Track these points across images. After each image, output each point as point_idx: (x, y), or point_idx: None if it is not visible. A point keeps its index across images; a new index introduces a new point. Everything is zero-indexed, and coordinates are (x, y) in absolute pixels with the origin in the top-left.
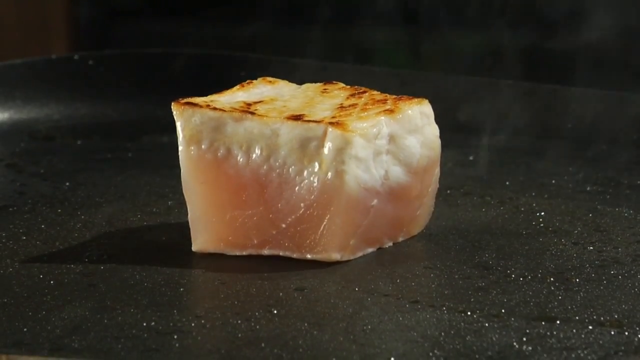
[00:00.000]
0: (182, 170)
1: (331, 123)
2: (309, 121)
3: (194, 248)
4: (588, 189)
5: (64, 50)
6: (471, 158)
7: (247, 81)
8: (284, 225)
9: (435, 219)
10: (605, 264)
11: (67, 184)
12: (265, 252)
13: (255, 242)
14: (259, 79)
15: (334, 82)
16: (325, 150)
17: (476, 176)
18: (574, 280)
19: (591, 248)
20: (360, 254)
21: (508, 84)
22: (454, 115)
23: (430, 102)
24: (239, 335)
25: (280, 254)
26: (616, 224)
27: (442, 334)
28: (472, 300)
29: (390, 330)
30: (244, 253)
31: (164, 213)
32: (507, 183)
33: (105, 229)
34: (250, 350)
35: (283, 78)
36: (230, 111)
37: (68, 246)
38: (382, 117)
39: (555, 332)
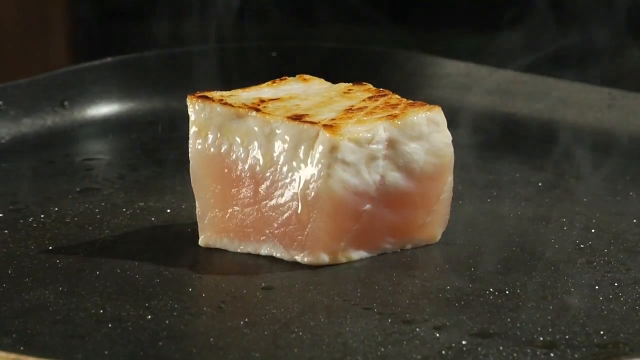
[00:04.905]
0: (190, 164)
1: (324, 125)
2: (305, 122)
3: (200, 242)
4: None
5: (64, 50)
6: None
7: (282, 77)
8: (275, 225)
9: (455, 228)
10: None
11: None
12: (262, 252)
13: (253, 240)
14: (297, 76)
15: (363, 83)
16: (315, 153)
17: (498, 184)
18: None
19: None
20: (356, 257)
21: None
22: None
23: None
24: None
25: (274, 254)
26: None
27: (365, 341)
28: (423, 309)
29: (319, 334)
30: (245, 251)
31: (173, 206)
32: (518, 190)
33: (111, 222)
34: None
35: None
36: (237, 107)
37: (72, 241)
38: (381, 122)
39: None
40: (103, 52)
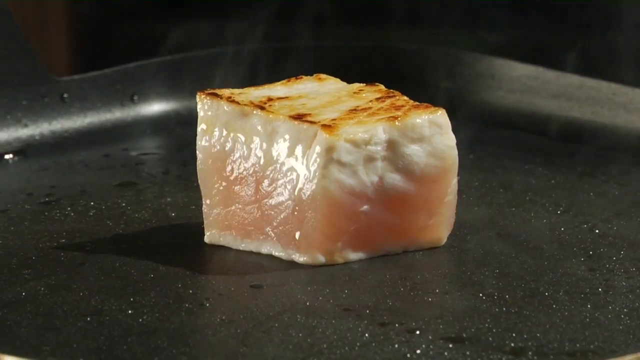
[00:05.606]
0: (197, 160)
1: (323, 125)
2: (304, 121)
3: (205, 240)
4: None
5: (64, 50)
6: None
7: (299, 76)
8: (274, 224)
9: (467, 231)
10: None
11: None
12: (263, 250)
13: (254, 238)
14: (313, 75)
15: (376, 84)
16: (312, 153)
17: (535, 188)
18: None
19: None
20: (354, 258)
21: None
22: None
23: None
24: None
25: (273, 253)
26: None
27: (333, 343)
28: (404, 312)
29: (290, 334)
30: (247, 249)
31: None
32: (553, 194)
33: (131, 217)
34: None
35: None
36: (243, 105)
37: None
38: (381, 124)
39: None
40: (104, 53)
